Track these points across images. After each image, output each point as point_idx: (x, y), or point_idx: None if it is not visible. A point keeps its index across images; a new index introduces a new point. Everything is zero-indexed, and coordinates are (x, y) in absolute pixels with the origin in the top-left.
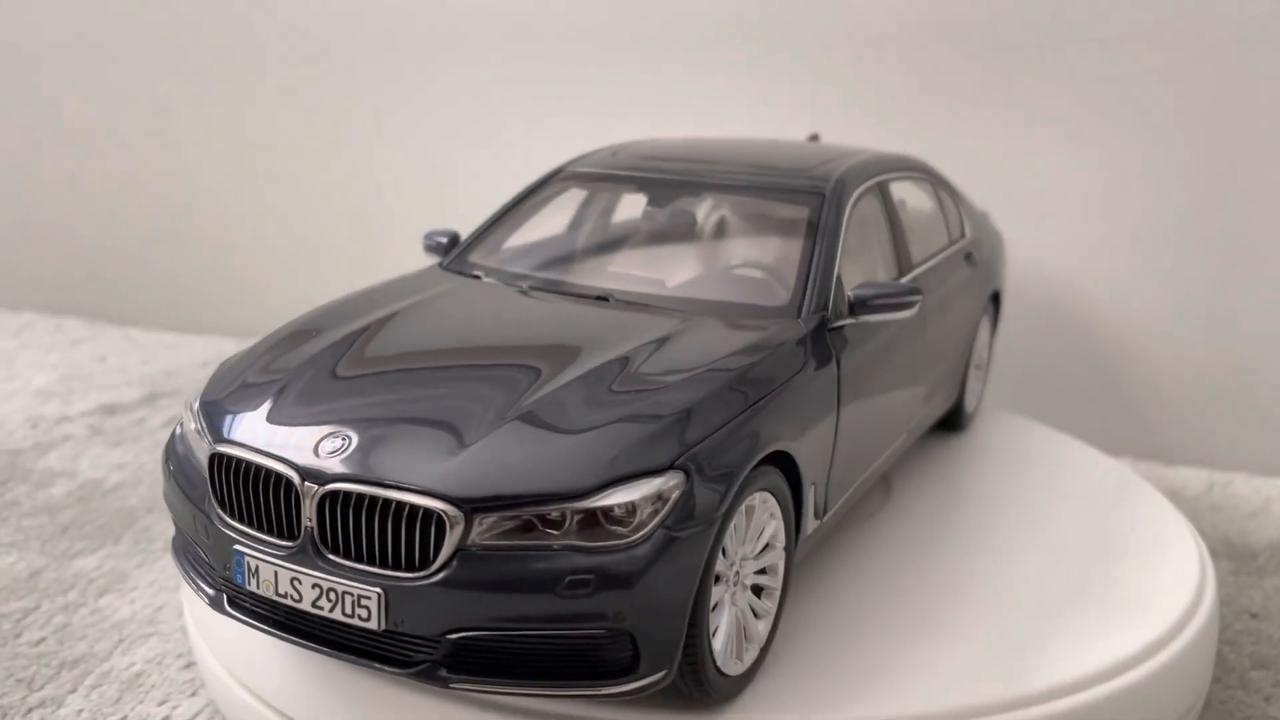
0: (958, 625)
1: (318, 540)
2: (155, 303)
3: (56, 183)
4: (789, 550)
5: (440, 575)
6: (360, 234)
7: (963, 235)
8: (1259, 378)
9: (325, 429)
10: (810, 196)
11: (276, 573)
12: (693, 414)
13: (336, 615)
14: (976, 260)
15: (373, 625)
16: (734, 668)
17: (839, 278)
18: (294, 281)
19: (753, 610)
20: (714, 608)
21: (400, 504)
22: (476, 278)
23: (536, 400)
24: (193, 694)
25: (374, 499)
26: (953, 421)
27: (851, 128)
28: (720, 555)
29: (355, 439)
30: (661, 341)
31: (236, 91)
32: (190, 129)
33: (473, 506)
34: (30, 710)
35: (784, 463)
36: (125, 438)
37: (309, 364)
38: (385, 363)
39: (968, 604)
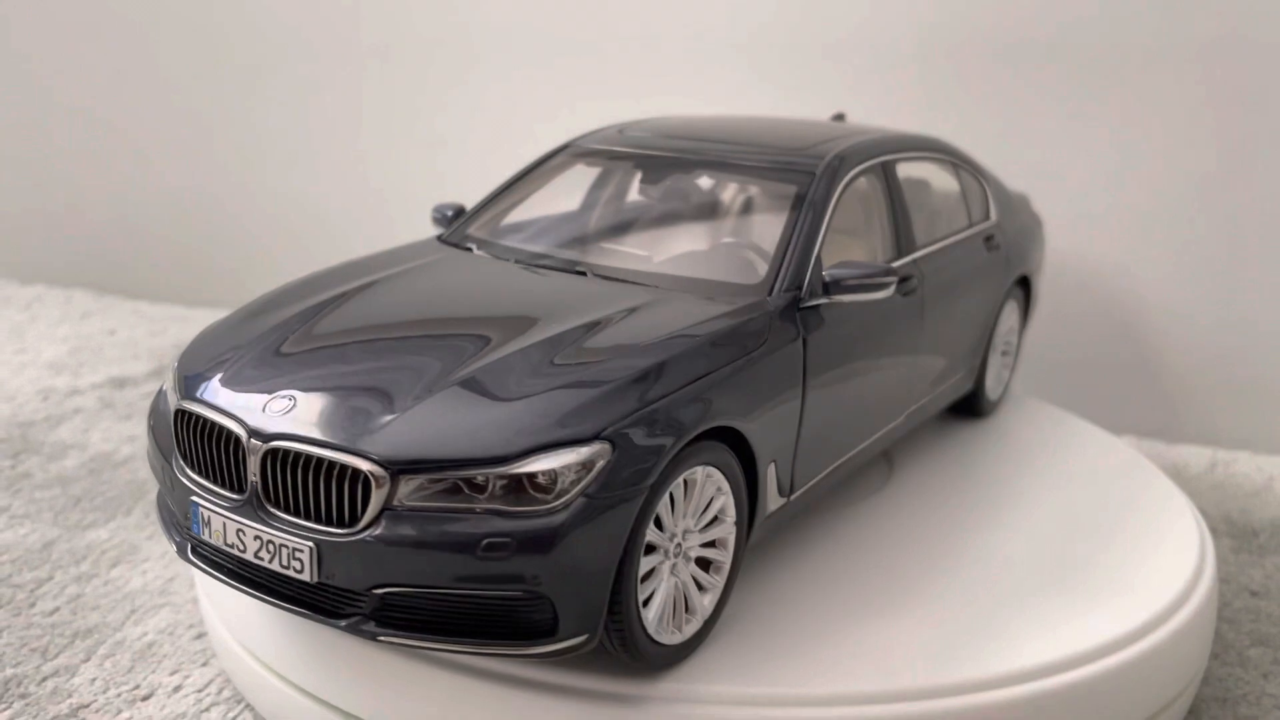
0: (947, 602)
1: (261, 495)
2: (164, 276)
3: (65, 156)
4: (741, 526)
5: (367, 533)
6: (371, 205)
7: (986, 218)
8: (1263, 357)
9: (277, 391)
10: (800, 176)
11: (225, 524)
12: (629, 387)
13: (275, 566)
14: (999, 244)
15: (306, 577)
16: (670, 637)
17: (818, 258)
18: (303, 253)
19: (697, 583)
20: (646, 577)
21: (333, 463)
22: (468, 249)
23: (476, 369)
24: (204, 664)
25: (310, 457)
26: (973, 407)
27: (889, 107)
28: (655, 527)
29: (300, 401)
30: (622, 315)
31: (245, 64)
32: (199, 101)
33: (398, 468)
34: (45, 679)
35: (735, 439)
36: (135, 411)
37: (276, 329)
38: (346, 330)
39: (961, 582)
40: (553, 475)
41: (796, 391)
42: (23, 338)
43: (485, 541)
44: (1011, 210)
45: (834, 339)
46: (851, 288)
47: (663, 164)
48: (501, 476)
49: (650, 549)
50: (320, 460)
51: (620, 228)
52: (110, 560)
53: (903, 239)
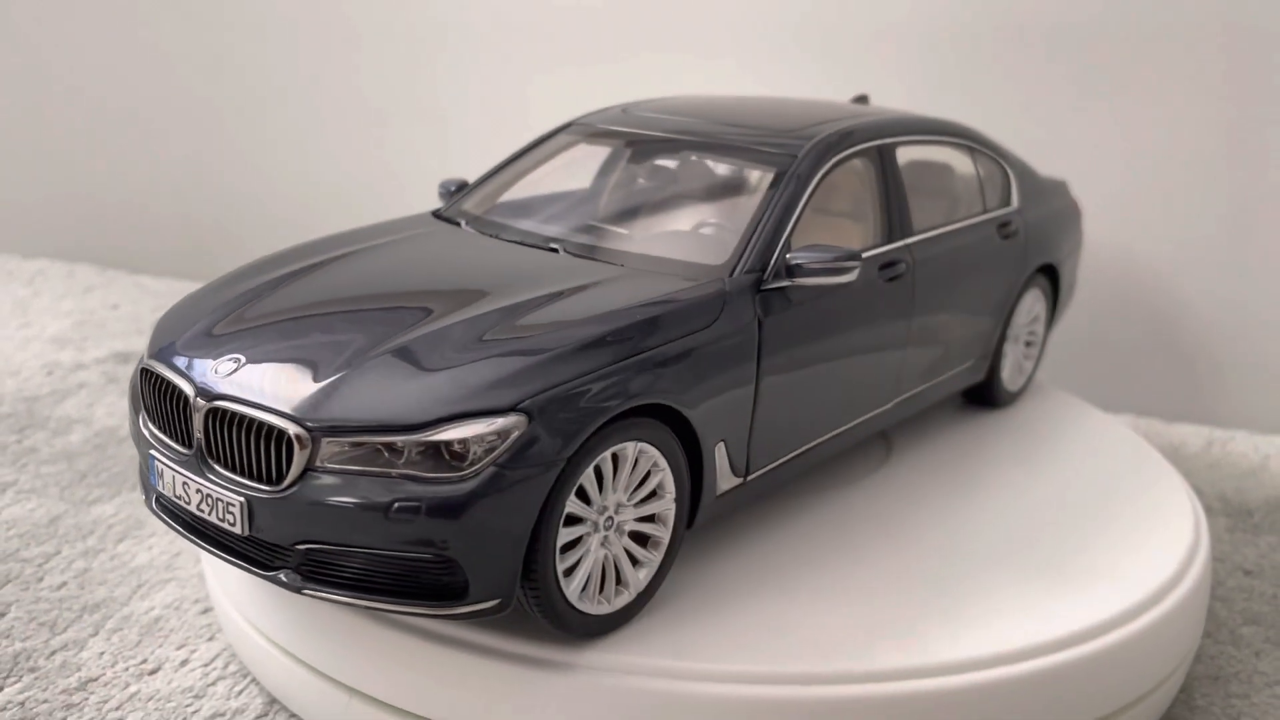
0: (941, 582)
1: (204, 451)
2: (167, 250)
3: (67, 131)
4: (682, 503)
5: (289, 491)
6: (377, 179)
7: (1006, 205)
8: (1261, 336)
9: (225, 354)
10: (782, 158)
11: (174, 477)
12: (554, 361)
13: (213, 518)
14: (1016, 231)
15: (237, 530)
16: (598, 607)
17: (788, 240)
18: (307, 226)
19: (631, 556)
20: (571, 546)
21: (264, 424)
22: (457, 224)
23: (409, 339)
24: (210, 638)
25: (245, 417)
26: (988, 398)
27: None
28: (580, 499)
29: (245, 364)
30: (573, 291)
31: (249, 38)
32: (202, 74)
33: (320, 431)
34: (53, 653)
35: (675, 416)
36: None
37: (243, 295)
38: (306, 299)
39: (953, 561)
40: (465, 444)
41: (750, 373)
42: (26, 312)
43: (395, 505)
44: (1039, 197)
45: (800, 322)
46: (813, 271)
47: (653, 144)
48: (417, 443)
49: (575, 520)
50: (253, 420)
51: (605, 206)
52: (116, 535)
53: (895, 224)
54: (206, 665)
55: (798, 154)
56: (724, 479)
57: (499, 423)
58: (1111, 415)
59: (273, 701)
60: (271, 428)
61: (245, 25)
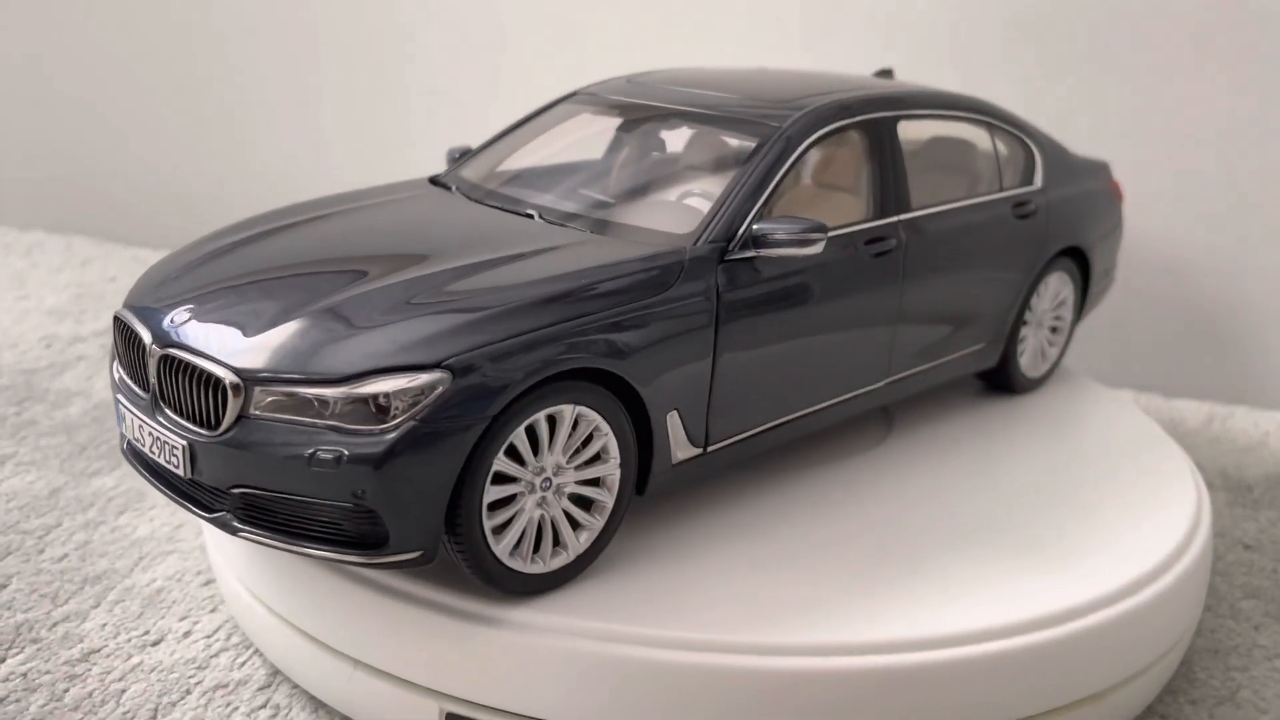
0: (940, 556)
1: (158, 396)
2: (163, 222)
3: (64, 102)
4: (628, 469)
5: (225, 436)
6: (373, 150)
7: (1027, 184)
8: (1261, 312)
9: (183, 306)
10: (765, 129)
11: (133, 420)
12: (485, 321)
13: (161, 460)
14: (1036, 211)
15: (181, 472)
16: (532, 566)
17: (759, 212)
18: (304, 198)
19: (572, 519)
20: (503, 505)
21: (206, 371)
22: (447, 188)
23: (350, 295)
24: (213, 610)
25: (189, 364)
26: (1005, 383)
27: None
28: (512, 459)
29: (196, 315)
30: (529, 254)
31: (249, 10)
32: (200, 47)
33: (252, 379)
34: (55, 624)
35: (621, 383)
36: None
37: (214, 252)
38: (268, 256)
39: (954, 536)
40: (388, 398)
41: (706, 344)
42: (24, 284)
43: (317, 454)
44: (1069, 178)
45: (768, 294)
46: (778, 242)
47: (647, 114)
48: (342, 395)
49: (507, 479)
50: (196, 368)
51: (590, 175)
52: (117, 507)
53: (890, 199)
54: (209, 637)
55: (780, 125)
56: (680, 448)
57: (422, 378)
58: (1112, 390)
59: (276, 673)
60: (211, 375)
61: (245, 6)
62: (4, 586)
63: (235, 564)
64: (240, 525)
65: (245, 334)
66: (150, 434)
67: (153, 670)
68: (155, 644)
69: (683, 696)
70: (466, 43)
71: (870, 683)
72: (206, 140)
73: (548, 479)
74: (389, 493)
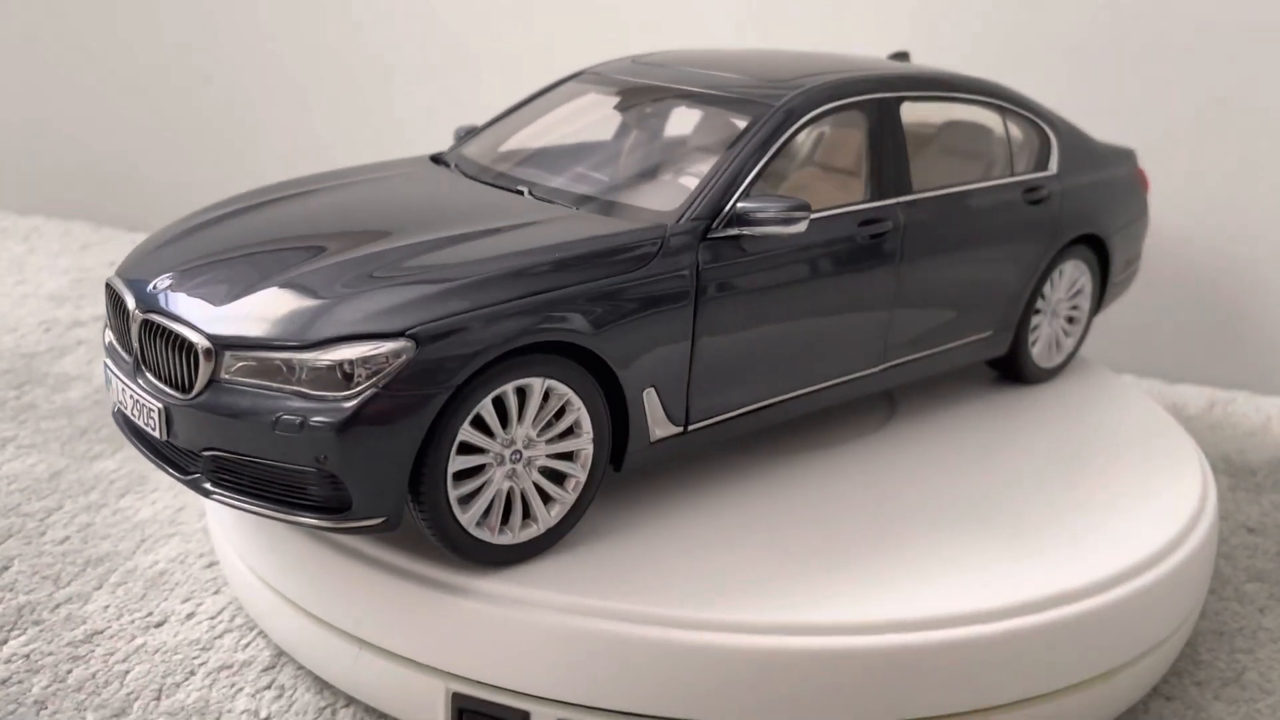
0: (945, 538)
1: (140, 359)
2: (161, 207)
3: (63, 86)
4: (601, 445)
5: (196, 399)
6: (373, 135)
7: (1041, 169)
8: (1262, 298)
9: (168, 274)
10: (758, 108)
11: (117, 384)
12: (452, 292)
13: (140, 422)
14: (1048, 197)
15: (157, 434)
16: (500, 537)
17: (747, 190)
18: None
19: (543, 492)
20: (465, 475)
21: (181, 336)
22: (446, 165)
23: (324, 265)
24: (216, 591)
25: (167, 329)
26: (1015, 372)
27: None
28: (480, 430)
29: (176, 282)
30: (509, 228)
31: (245, 8)
32: (198, 31)
33: (223, 344)
34: (58, 605)
35: (595, 357)
36: None
37: (204, 223)
38: (255, 228)
39: (959, 518)
40: (351, 364)
41: (685, 322)
42: (23, 269)
43: (281, 418)
44: (1088, 164)
45: (753, 273)
46: (760, 221)
47: (648, 94)
48: (307, 361)
49: (474, 449)
50: (173, 333)
51: (588, 153)
52: (119, 490)
53: (889, 181)
54: (213, 618)
55: (773, 105)
56: (659, 426)
57: (385, 346)
58: (1115, 374)
59: (280, 653)
60: (185, 340)
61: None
62: (6, 569)
63: (239, 546)
64: (212, 488)
65: (220, 302)
66: (132, 397)
67: (156, 651)
68: (158, 625)
69: (686, 674)
70: (463, 26)
71: (875, 662)
72: (205, 125)
73: (518, 451)
74: (350, 458)
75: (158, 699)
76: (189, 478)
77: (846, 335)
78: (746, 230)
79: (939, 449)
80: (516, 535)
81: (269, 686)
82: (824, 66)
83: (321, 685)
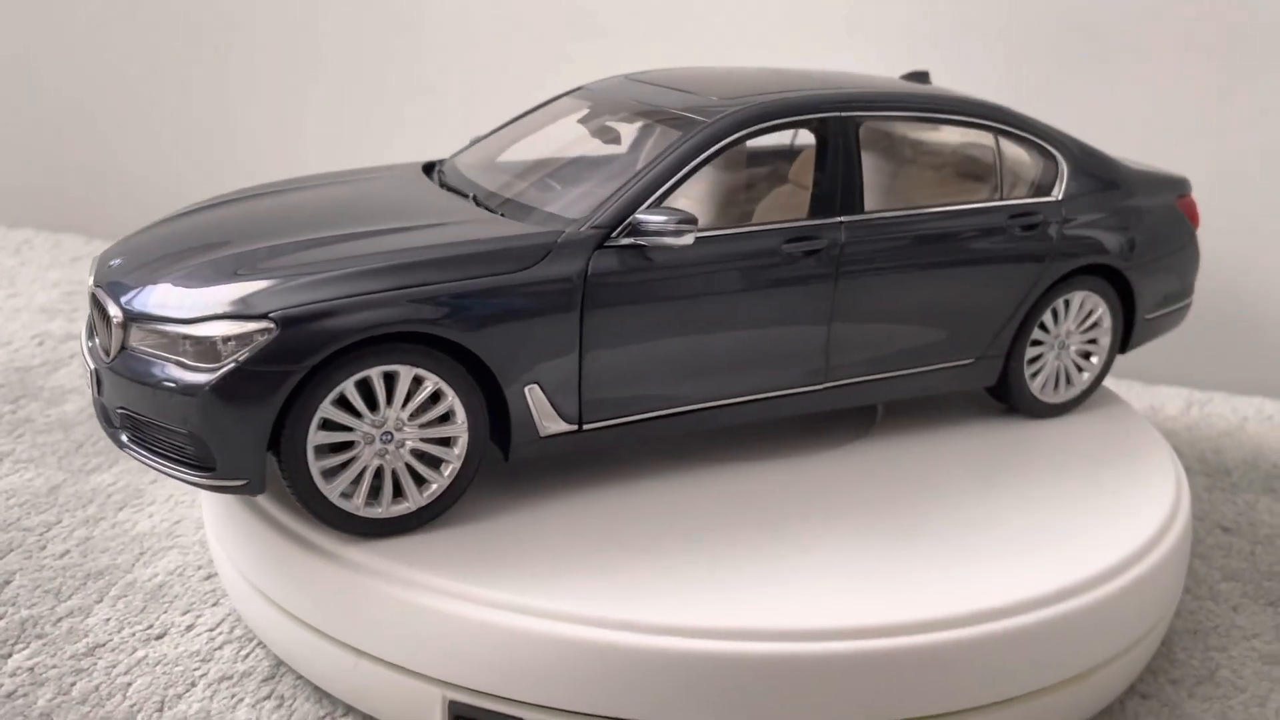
0: (920, 541)
1: (91, 328)
2: (151, 220)
3: (52, 100)
4: (477, 433)
5: (112, 364)
6: (366, 149)
7: (1044, 195)
8: (1238, 300)
9: (119, 257)
10: (692, 123)
11: (83, 355)
12: (324, 282)
13: (86, 384)
14: (1045, 224)
15: (93, 393)
16: (365, 510)
17: (657, 201)
18: None
19: (415, 473)
20: (337, 450)
21: (106, 308)
22: (429, 172)
23: (228, 254)
24: (215, 603)
25: (101, 302)
26: (1014, 406)
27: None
28: (344, 409)
29: (121, 266)
30: (415, 228)
31: (240, 8)
32: (190, 45)
33: (131, 317)
34: (60, 619)
35: (467, 350)
36: None
37: (177, 214)
38: (211, 221)
39: (939, 522)
40: (219, 340)
41: (571, 324)
42: (14, 283)
43: (160, 383)
44: (1108, 191)
45: (656, 284)
46: (648, 231)
47: (615, 110)
48: (188, 335)
49: (338, 427)
50: (104, 306)
51: (544, 165)
52: (116, 504)
53: (835, 198)
54: (212, 630)
55: (704, 120)
56: (549, 421)
57: (248, 326)
58: None
59: (279, 664)
60: (108, 312)
61: (245, 4)
62: (7, 583)
63: (237, 558)
64: (126, 441)
65: (139, 283)
66: (85, 361)
67: (158, 663)
68: (159, 638)
69: (681, 682)
70: (462, 40)
71: (852, 665)
72: (195, 138)
73: (388, 433)
74: (210, 423)
75: (160, 710)
76: (111, 429)
77: (771, 350)
78: (640, 240)
79: (916, 454)
80: (386, 510)
81: (269, 697)
82: (788, 85)
83: (320, 695)
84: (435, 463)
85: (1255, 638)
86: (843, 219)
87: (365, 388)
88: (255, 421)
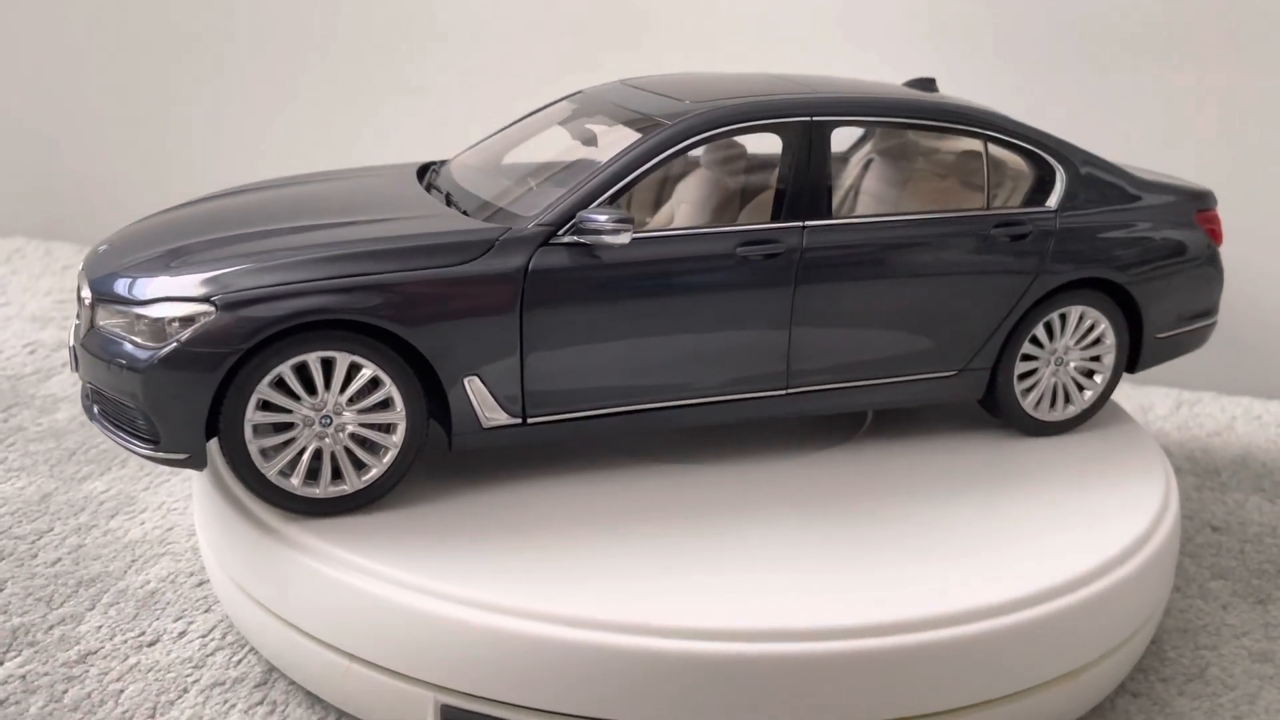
0: (909, 540)
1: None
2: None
3: (43, 107)
4: (416, 421)
5: (84, 341)
6: (361, 158)
7: (1035, 204)
8: (1227, 300)
9: (107, 244)
10: (652, 126)
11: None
12: (266, 269)
13: (69, 362)
14: (1030, 234)
15: (70, 368)
16: (306, 490)
17: (607, 202)
18: None
19: (351, 455)
20: (278, 430)
21: (81, 291)
22: (420, 174)
23: (192, 242)
24: (207, 610)
25: (80, 286)
26: (1007, 420)
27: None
28: (284, 392)
29: (106, 253)
30: (371, 221)
31: (227, 12)
32: (180, 52)
33: (99, 298)
34: (51, 627)
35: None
36: None
37: (169, 209)
38: (199, 211)
39: (929, 522)
40: (165, 321)
41: (511, 318)
42: (5, 291)
43: (112, 360)
44: (1111, 203)
45: (602, 282)
46: (587, 230)
47: (600, 115)
48: (140, 316)
49: (276, 408)
50: (82, 288)
51: (511, 165)
52: (108, 511)
53: (799, 204)
54: (204, 636)
55: (664, 124)
56: (491, 412)
57: (192, 308)
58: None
59: (271, 669)
60: (82, 293)
61: (224, 10)
62: (0, 591)
63: (229, 564)
64: (95, 415)
65: (113, 266)
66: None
67: (150, 670)
68: (151, 644)
69: (673, 683)
70: (451, 43)
71: (844, 665)
72: (186, 146)
73: (327, 416)
74: (151, 398)
75: (152, 717)
76: (86, 403)
77: (726, 353)
78: (582, 239)
79: (904, 454)
80: (325, 491)
81: (261, 702)
82: (767, 90)
83: (313, 700)
84: (376, 448)
85: (1245, 636)
86: (806, 224)
87: (319, 372)
88: (193, 398)
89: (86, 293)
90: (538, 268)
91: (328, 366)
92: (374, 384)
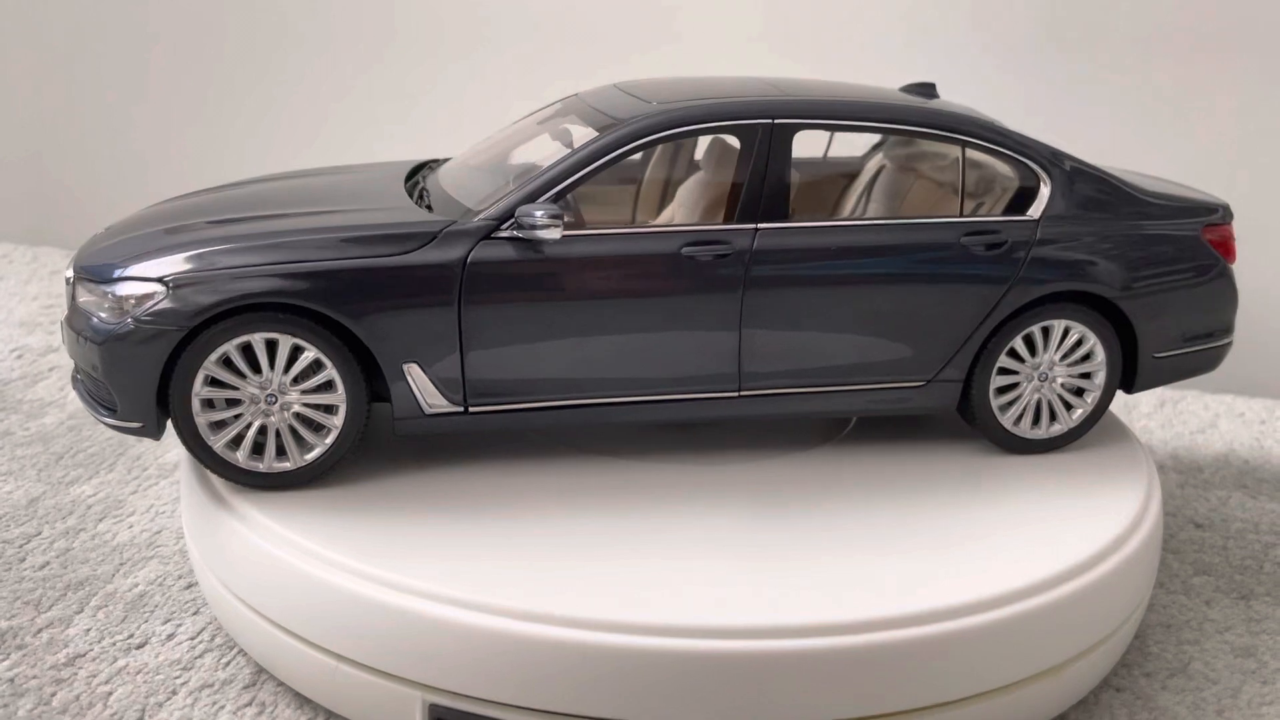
0: (892, 535)
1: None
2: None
3: (31, 113)
4: (356, 402)
5: (67, 317)
6: (356, 157)
7: (1015, 213)
8: None
9: (105, 230)
10: (611, 124)
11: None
12: (218, 254)
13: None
14: (1006, 243)
15: (59, 344)
16: (249, 464)
17: (554, 198)
18: None
19: (295, 433)
20: (225, 405)
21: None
22: (416, 174)
23: (169, 227)
24: (195, 612)
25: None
26: (987, 436)
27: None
28: (231, 371)
29: (98, 239)
30: (328, 212)
31: (217, 14)
32: (168, 58)
33: (79, 276)
34: (40, 630)
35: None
36: None
37: (172, 199)
38: (181, 205)
39: (913, 517)
40: (124, 299)
41: (449, 308)
42: None
43: (80, 334)
44: (1103, 213)
45: (541, 276)
46: (522, 225)
47: (581, 118)
48: (107, 293)
49: (223, 384)
50: (68, 267)
51: (499, 166)
52: (96, 515)
53: (754, 205)
54: (193, 638)
55: (621, 122)
56: (433, 399)
57: (146, 288)
58: None
59: (260, 671)
60: (66, 272)
61: (220, 13)
62: None
63: (217, 566)
64: (76, 384)
65: (96, 249)
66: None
67: (138, 672)
68: (140, 647)
69: (678, 683)
70: (448, 45)
71: (829, 661)
72: (174, 151)
73: (273, 395)
74: (108, 369)
75: (141, 719)
76: (74, 378)
77: (670, 352)
78: (519, 233)
79: (887, 452)
80: (270, 465)
81: (250, 704)
82: (729, 92)
83: (301, 701)
84: (319, 428)
85: (1227, 631)
86: (759, 226)
87: (264, 353)
88: (142, 371)
89: (69, 272)
90: (478, 260)
91: (273, 348)
92: (318, 366)
